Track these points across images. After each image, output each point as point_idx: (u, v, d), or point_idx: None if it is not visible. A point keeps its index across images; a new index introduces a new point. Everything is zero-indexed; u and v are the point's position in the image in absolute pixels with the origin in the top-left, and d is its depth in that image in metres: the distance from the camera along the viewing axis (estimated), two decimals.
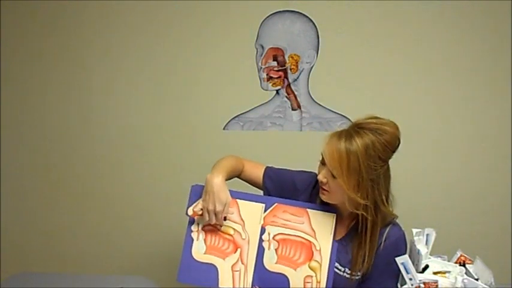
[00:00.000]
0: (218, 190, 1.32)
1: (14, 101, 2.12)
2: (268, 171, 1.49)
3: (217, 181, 1.33)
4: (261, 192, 1.50)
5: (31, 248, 2.19)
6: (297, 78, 2.02)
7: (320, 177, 1.33)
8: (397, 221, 1.38)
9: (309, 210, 1.40)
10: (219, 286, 1.35)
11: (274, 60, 2.01)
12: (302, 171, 1.50)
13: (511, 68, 1.95)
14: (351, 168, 1.25)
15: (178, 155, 2.09)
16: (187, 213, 1.40)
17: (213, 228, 1.39)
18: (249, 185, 1.52)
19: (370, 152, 1.25)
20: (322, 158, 1.32)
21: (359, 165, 1.25)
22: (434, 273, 1.28)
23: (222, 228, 1.39)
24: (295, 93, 2.03)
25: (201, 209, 1.35)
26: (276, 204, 1.40)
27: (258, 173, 1.49)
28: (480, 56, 1.96)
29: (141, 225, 2.15)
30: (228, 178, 1.39)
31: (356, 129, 1.28)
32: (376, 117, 1.30)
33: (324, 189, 1.34)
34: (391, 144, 1.28)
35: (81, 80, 2.09)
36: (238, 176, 1.50)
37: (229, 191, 1.37)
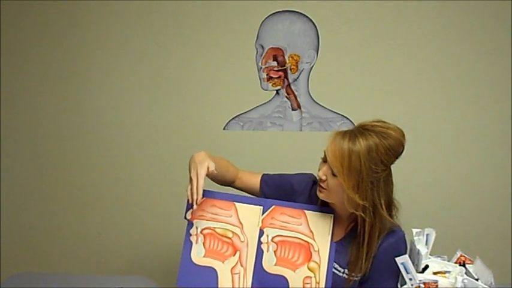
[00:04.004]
0: (201, 160, 1.32)
1: (14, 101, 2.12)
2: (265, 177, 1.50)
3: (200, 153, 1.34)
4: None
5: (31, 248, 2.19)
6: (297, 78, 2.02)
7: (320, 174, 1.34)
8: (397, 221, 1.38)
9: (306, 211, 1.39)
10: None
11: (274, 60, 2.01)
12: (299, 173, 1.51)
13: (511, 68, 1.95)
14: (351, 167, 1.26)
15: (178, 155, 2.09)
16: (185, 217, 1.40)
17: (211, 231, 1.39)
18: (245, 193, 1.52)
19: (373, 154, 1.26)
20: (324, 155, 1.33)
21: (360, 166, 1.25)
22: (434, 273, 1.28)
23: (221, 231, 1.39)
24: (295, 93, 2.03)
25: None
26: (273, 206, 1.40)
27: (254, 180, 1.49)
28: (480, 56, 1.96)
29: (141, 225, 2.14)
30: (218, 169, 1.35)
31: (361, 130, 1.29)
32: (382, 121, 1.31)
33: (322, 187, 1.34)
34: (395, 150, 1.29)
35: (81, 81, 2.09)
36: (233, 184, 1.50)
37: (227, 194, 1.39)
